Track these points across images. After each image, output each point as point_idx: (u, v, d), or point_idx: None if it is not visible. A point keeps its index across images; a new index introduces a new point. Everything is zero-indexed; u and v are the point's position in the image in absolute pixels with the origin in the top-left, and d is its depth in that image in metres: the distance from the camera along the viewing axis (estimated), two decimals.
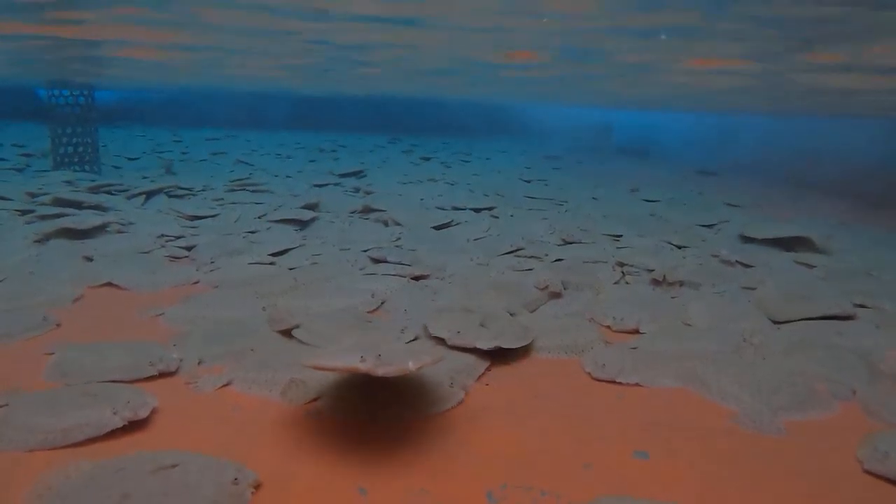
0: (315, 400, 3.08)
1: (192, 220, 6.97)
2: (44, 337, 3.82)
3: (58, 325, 4.00)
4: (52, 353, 3.47)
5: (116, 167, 11.10)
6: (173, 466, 2.40)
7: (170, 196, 8.10)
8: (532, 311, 4.49)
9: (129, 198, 7.81)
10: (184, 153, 13.69)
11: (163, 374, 3.33)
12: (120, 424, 2.76)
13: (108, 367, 3.29)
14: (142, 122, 19.73)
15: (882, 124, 13.07)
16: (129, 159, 12.24)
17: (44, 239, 5.74)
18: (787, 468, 2.74)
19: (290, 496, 2.42)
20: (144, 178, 9.67)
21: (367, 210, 7.76)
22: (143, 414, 2.85)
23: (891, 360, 3.80)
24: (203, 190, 8.73)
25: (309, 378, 3.19)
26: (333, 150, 15.38)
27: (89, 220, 6.06)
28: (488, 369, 3.56)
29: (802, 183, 11.71)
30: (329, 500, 2.41)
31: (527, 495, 2.48)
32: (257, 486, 2.46)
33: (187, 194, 8.33)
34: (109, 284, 4.81)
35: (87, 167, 10.38)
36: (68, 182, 8.50)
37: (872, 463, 2.72)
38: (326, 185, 9.79)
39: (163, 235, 6.13)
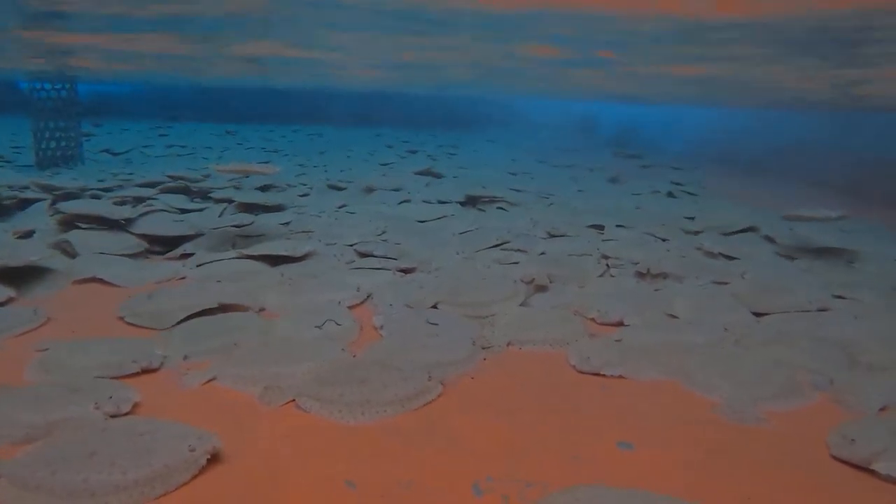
0: (292, 401, 3.09)
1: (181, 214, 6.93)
2: (35, 333, 3.84)
3: (48, 320, 4.01)
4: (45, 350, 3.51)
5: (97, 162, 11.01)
6: (143, 434, 2.55)
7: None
8: (518, 305, 4.52)
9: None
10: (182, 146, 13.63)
11: (146, 371, 3.34)
12: (102, 419, 2.78)
13: (91, 364, 3.29)
14: (123, 117, 19.61)
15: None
16: (114, 154, 12.14)
17: None
18: (765, 457, 2.79)
19: (278, 489, 2.44)
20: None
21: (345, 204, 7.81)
22: (125, 409, 2.89)
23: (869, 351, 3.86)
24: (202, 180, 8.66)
25: (284, 382, 3.21)
26: (320, 144, 15.33)
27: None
28: (472, 363, 3.59)
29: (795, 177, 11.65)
30: (318, 493, 2.43)
31: (512, 487, 2.51)
32: (214, 454, 2.55)
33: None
34: (95, 279, 4.79)
35: (70, 163, 10.29)
36: None
37: (839, 449, 2.81)
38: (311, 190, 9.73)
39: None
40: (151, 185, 7.80)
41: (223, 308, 4.14)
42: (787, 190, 10.51)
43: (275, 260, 5.23)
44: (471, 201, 8.13)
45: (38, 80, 10.27)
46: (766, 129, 15.42)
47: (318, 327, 3.87)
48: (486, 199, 8.19)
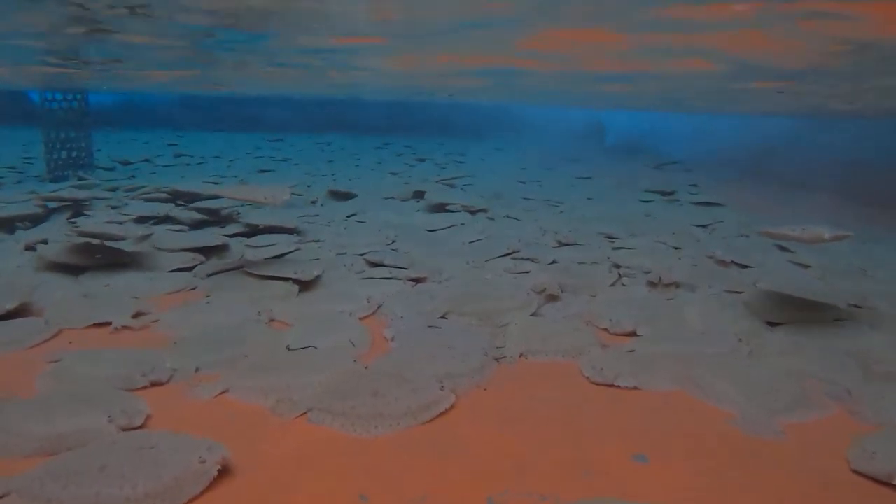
0: (305, 413, 3.08)
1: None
2: (46, 344, 3.84)
3: (60, 331, 4.01)
4: (56, 361, 3.50)
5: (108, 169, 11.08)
6: (153, 446, 2.54)
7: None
8: (530, 315, 4.49)
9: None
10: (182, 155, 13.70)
11: (154, 384, 3.33)
12: (114, 432, 2.77)
13: (102, 376, 3.29)
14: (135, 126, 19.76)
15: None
16: (124, 164, 12.21)
17: None
18: (782, 470, 2.75)
19: (291, 503, 2.43)
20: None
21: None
22: (137, 422, 2.88)
23: (885, 361, 3.82)
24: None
25: (295, 395, 3.19)
26: (328, 153, 15.37)
27: None
28: (484, 374, 3.57)
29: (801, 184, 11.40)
30: None
31: (527, 501, 2.48)
32: (225, 467, 2.53)
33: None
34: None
35: (80, 172, 10.36)
36: None
37: (860, 463, 2.76)
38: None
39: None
40: (160, 199, 7.85)
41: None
42: (810, 201, 10.32)
43: None
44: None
45: (49, 91, 10.36)
46: (797, 137, 15.10)
47: (288, 348, 3.80)
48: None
